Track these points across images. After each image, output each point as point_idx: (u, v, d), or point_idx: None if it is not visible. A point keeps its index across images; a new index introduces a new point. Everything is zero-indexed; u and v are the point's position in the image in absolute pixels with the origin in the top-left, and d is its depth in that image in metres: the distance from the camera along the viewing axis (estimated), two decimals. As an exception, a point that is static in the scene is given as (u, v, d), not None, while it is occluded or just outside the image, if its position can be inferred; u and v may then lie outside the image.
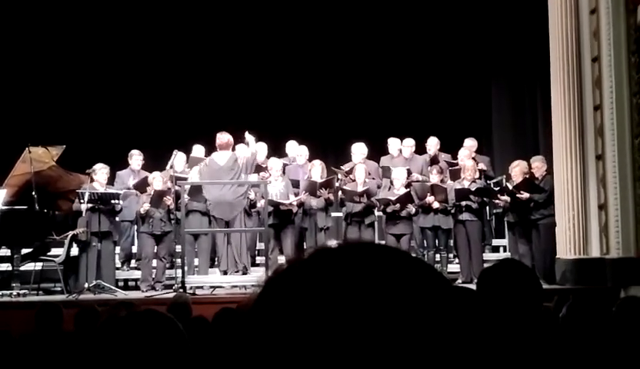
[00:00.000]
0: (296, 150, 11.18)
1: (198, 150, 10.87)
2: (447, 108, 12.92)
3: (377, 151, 11.20)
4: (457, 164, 10.75)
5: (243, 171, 9.85)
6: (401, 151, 11.10)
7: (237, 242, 9.86)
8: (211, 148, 10.71)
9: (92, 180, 9.77)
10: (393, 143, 11.14)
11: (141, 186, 10.14)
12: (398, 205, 9.99)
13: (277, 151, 11.22)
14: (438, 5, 12.89)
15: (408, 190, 10.13)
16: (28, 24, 12.52)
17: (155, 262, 10.00)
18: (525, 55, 12.22)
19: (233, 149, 10.06)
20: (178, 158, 10.15)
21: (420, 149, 11.31)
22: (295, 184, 10.48)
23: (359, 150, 10.79)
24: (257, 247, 11.07)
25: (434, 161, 10.99)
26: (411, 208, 10.02)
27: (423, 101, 13.01)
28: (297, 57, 13.16)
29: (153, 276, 9.92)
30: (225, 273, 9.84)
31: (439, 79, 13.10)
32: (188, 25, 12.97)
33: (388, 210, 10.05)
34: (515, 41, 12.41)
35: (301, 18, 13.06)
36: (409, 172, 10.62)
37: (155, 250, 9.96)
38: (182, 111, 12.90)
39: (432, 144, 11.31)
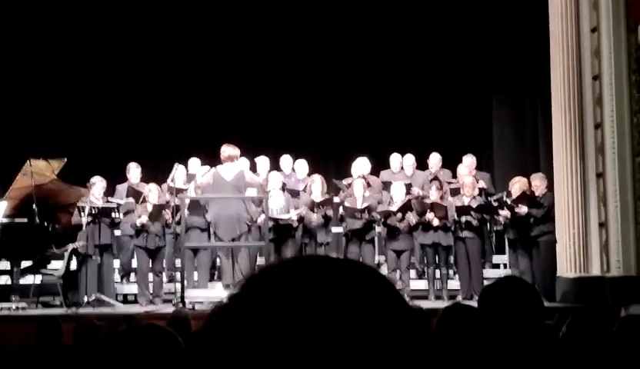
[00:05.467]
0: (292, 165, 11.13)
1: (194, 163, 10.87)
2: (448, 122, 12.93)
3: (377, 165, 11.19)
4: (456, 183, 10.75)
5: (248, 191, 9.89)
6: (402, 167, 11.11)
7: (243, 260, 9.82)
8: (209, 161, 10.69)
9: (92, 193, 9.76)
10: (395, 158, 11.14)
11: (136, 198, 10.11)
12: (399, 215, 9.97)
13: (278, 164, 11.20)
14: (439, 21, 12.91)
15: (409, 199, 10.12)
16: (29, 37, 12.55)
17: (150, 276, 9.96)
18: (526, 72, 12.24)
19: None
20: (179, 172, 10.11)
21: (421, 163, 11.30)
22: (295, 194, 10.45)
23: (362, 165, 10.79)
24: (257, 263, 11.03)
25: (435, 178, 10.97)
26: (412, 218, 10.01)
27: (424, 115, 13.01)
28: (297, 70, 13.16)
29: (151, 291, 9.88)
30: (228, 287, 9.80)
31: (440, 94, 13.11)
32: (188, 38, 12.98)
33: (389, 221, 10.03)
34: (516, 57, 12.43)
35: (302, 31, 13.07)
36: (409, 187, 10.61)
37: (150, 265, 9.92)
38: (181, 123, 12.89)
39: (434, 161, 11.26)
